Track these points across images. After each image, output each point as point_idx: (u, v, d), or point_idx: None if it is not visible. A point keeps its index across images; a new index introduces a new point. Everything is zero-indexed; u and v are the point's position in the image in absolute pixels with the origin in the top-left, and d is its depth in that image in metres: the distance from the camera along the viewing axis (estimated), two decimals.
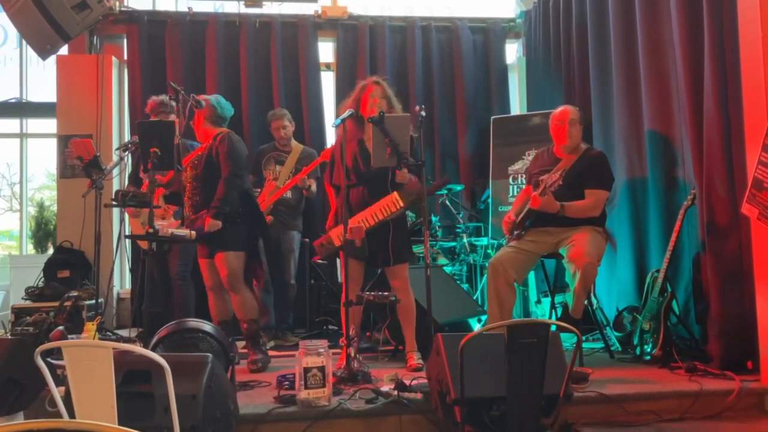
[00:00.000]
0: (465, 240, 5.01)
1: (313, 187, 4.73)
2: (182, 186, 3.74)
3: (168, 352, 2.84)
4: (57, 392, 1.84)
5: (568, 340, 3.52)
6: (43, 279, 5.00)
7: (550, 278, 3.98)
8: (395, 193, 3.39)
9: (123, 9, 5.74)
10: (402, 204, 3.36)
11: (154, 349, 2.84)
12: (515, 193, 5.11)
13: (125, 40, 5.79)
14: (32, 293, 4.75)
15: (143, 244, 4.18)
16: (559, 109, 3.71)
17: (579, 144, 3.66)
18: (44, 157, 8.22)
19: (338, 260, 3.74)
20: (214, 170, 3.64)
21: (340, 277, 5.25)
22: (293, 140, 4.91)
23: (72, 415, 1.82)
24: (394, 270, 3.47)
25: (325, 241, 3.55)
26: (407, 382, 2.76)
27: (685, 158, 3.67)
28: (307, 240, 5.01)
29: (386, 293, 3.22)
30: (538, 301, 4.88)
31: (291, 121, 4.88)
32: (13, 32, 6.99)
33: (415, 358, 3.43)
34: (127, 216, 4.52)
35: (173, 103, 3.80)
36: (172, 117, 4.19)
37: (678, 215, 3.53)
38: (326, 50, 6.01)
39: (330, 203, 3.76)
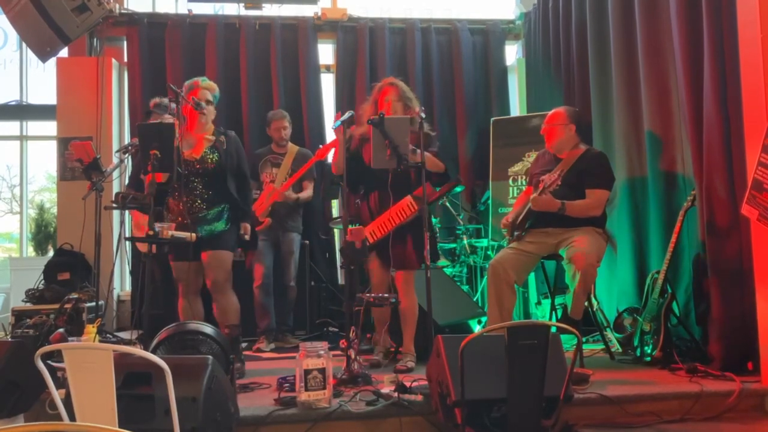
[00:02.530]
0: (465, 241, 5.01)
1: (304, 194, 4.69)
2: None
3: (168, 355, 2.84)
4: (57, 395, 1.83)
5: (568, 342, 3.51)
6: (43, 281, 4.99)
7: (550, 280, 3.98)
8: (409, 197, 3.40)
9: (123, 11, 5.75)
10: (416, 207, 3.36)
11: (154, 352, 2.84)
12: (515, 195, 5.11)
13: (125, 43, 5.79)
14: (32, 295, 4.74)
15: (143, 247, 4.17)
16: (550, 113, 3.75)
17: (576, 143, 3.67)
18: (44, 160, 8.28)
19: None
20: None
21: (341, 280, 5.23)
22: (289, 142, 4.92)
23: (72, 417, 1.82)
24: (406, 274, 3.45)
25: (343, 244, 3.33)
26: (407, 384, 2.76)
27: (684, 159, 3.67)
28: (307, 242, 5.01)
29: (386, 295, 3.22)
30: (539, 303, 4.88)
31: (290, 122, 4.90)
32: (13, 35, 7.00)
33: (405, 360, 3.41)
34: (127, 218, 4.51)
35: (172, 105, 3.77)
36: (167, 117, 4.18)
37: (678, 216, 3.53)
38: (326, 52, 6.01)
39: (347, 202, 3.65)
